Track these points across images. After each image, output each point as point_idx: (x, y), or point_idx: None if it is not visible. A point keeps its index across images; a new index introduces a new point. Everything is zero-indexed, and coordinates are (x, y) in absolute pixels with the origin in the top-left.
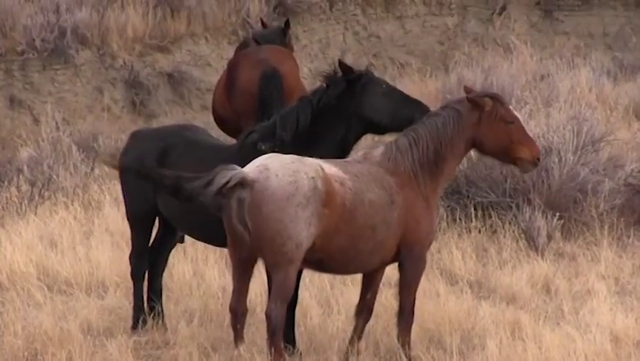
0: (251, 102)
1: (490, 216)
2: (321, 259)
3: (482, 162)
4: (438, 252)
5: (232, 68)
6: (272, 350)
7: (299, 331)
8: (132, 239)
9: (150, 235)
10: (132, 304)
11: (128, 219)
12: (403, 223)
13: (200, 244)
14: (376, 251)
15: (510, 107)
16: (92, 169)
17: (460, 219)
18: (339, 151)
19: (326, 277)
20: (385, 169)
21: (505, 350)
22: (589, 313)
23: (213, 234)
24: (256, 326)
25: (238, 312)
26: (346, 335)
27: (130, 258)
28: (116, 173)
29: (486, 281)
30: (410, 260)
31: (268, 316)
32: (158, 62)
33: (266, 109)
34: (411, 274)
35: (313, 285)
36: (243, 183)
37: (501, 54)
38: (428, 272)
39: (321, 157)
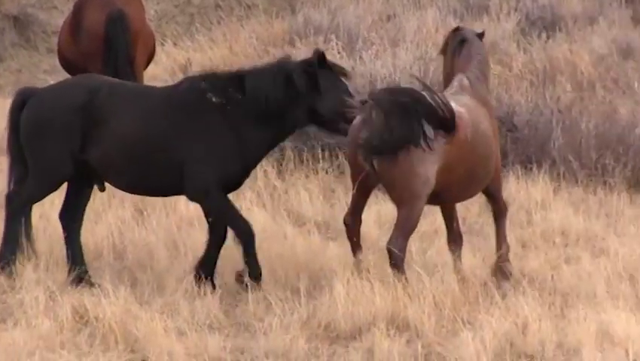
0: (97, 44)
1: (337, 157)
2: (440, 191)
3: None
4: (285, 193)
5: (77, 9)
6: (397, 279)
7: (145, 275)
8: (29, 186)
9: (53, 190)
10: None
11: (35, 173)
12: (495, 152)
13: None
14: (486, 179)
15: None
16: None
17: (307, 160)
18: (287, 133)
19: (173, 220)
20: (478, 100)
21: (353, 291)
22: (436, 253)
23: (151, 185)
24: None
25: (350, 224)
26: (192, 278)
27: (11, 197)
28: None
29: (333, 222)
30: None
31: (389, 249)
32: (3, 4)
33: (112, 51)
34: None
35: (160, 227)
36: None
37: None
38: (275, 214)
39: (269, 132)
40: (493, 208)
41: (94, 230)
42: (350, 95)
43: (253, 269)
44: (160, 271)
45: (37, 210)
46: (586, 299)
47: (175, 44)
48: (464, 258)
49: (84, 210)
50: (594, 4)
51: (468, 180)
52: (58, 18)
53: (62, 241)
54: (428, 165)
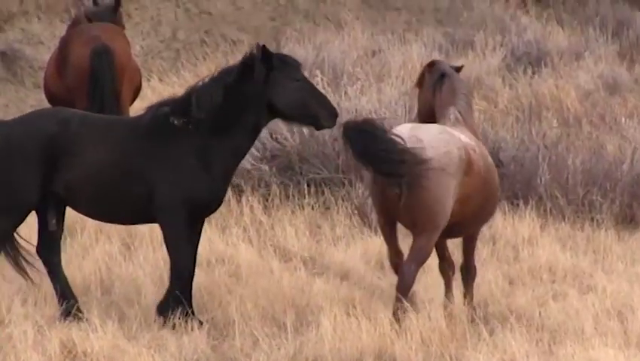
0: (82, 79)
1: (323, 193)
2: (455, 224)
3: (314, 138)
4: (272, 228)
5: (63, 45)
6: (399, 304)
7: (133, 309)
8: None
9: (21, 221)
10: None
11: (2, 201)
12: None
13: (33, 223)
14: (492, 213)
15: None
16: None
17: (293, 195)
18: (253, 134)
19: (160, 255)
20: (472, 133)
21: (339, 327)
22: (423, 289)
23: (122, 213)
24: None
25: (399, 265)
26: (180, 313)
27: None
28: None
29: (319, 258)
30: None
31: (402, 273)
32: None
33: (97, 85)
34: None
35: (147, 262)
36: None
37: (333, 30)
38: (261, 249)
39: (234, 140)
40: (470, 245)
41: (82, 265)
42: (306, 81)
43: (166, 305)
44: (147, 305)
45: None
46: (574, 336)
47: (160, 80)
48: (451, 295)
49: (60, 241)
50: (580, 39)
51: (479, 213)
52: (44, 53)
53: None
54: (450, 197)
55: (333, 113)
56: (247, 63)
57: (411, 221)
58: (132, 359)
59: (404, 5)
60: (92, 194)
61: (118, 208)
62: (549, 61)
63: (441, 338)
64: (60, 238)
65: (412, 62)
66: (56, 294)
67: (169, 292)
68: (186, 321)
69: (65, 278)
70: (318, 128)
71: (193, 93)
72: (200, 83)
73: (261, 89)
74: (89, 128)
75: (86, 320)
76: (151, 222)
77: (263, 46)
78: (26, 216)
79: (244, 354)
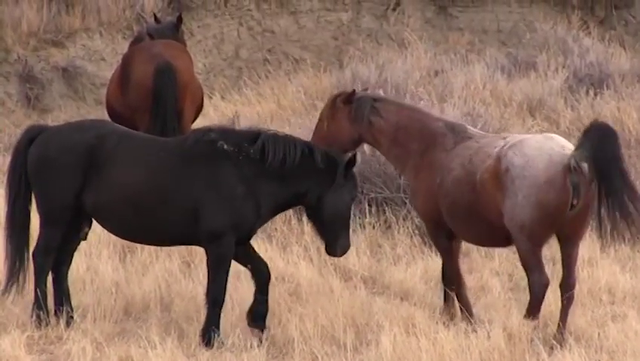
0: (145, 96)
1: (384, 212)
2: None
3: (375, 157)
4: None
5: (126, 62)
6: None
7: (192, 327)
8: (43, 235)
9: (64, 233)
10: (31, 301)
11: (42, 214)
12: None
13: (94, 239)
14: None
15: None
16: None
17: (354, 215)
18: (295, 199)
19: None
20: None
21: (399, 346)
22: (483, 309)
23: (154, 233)
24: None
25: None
26: (240, 332)
27: (35, 254)
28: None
29: (380, 277)
30: None
31: (574, 277)
32: (53, 56)
33: (160, 103)
34: None
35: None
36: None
37: (396, 50)
38: (322, 268)
39: (277, 191)
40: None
41: (141, 282)
42: (349, 210)
43: (206, 334)
44: None
45: (83, 262)
46: (632, 357)
47: (223, 98)
48: (511, 314)
49: (74, 253)
50: None
51: None
52: (106, 70)
53: (110, 293)
54: None
55: (345, 249)
56: (332, 159)
57: (574, 229)
58: None
59: (467, 26)
60: (122, 213)
61: (150, 229)
62: (611, 82)
63: (500, 357)
64: (75, 250)
65: (474, 83)
66: (54, 299)
67: (209, 319)
68: (245, 339)
69: (67, 289)
70: (327, 249)
71: (262, 136)
72: (274, 132)
73: (328, 183)
74: (127, 147)
75: (145, 337)
76: (183, 245)
77: (355, 155)
78: (67, 226)
79: None
